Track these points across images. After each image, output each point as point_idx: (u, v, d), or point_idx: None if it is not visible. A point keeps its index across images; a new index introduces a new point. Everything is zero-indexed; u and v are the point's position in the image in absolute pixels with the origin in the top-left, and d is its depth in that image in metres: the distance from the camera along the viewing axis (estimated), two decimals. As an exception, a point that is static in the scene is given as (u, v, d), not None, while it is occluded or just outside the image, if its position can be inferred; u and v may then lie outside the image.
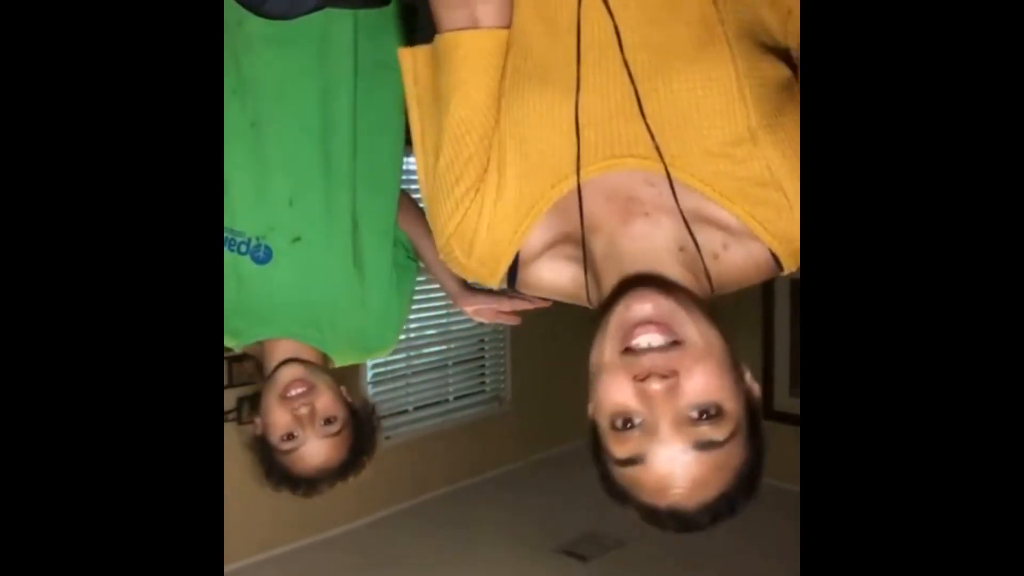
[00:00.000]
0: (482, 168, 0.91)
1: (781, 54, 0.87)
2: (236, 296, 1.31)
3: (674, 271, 0.82)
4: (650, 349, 0.73)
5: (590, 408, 0.82)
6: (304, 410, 1.23)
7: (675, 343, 0.73)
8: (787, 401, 3.84)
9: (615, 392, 0.74)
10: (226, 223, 1.30)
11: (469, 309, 1.49)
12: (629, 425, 0.74)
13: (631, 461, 0.75)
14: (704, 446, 0.73)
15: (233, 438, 2.90)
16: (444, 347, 3.99)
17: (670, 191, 0.84)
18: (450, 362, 4.02)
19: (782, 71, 0.85)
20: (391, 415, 3.72)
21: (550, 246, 0.90)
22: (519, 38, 0.90)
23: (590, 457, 0.81)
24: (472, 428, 4.06)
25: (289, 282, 1.30)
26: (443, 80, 0.92)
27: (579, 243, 0.88)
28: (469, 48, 0.90)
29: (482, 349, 4.17)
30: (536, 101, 0.87)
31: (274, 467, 1.28)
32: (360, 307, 1.34)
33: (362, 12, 1.28)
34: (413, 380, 3.84)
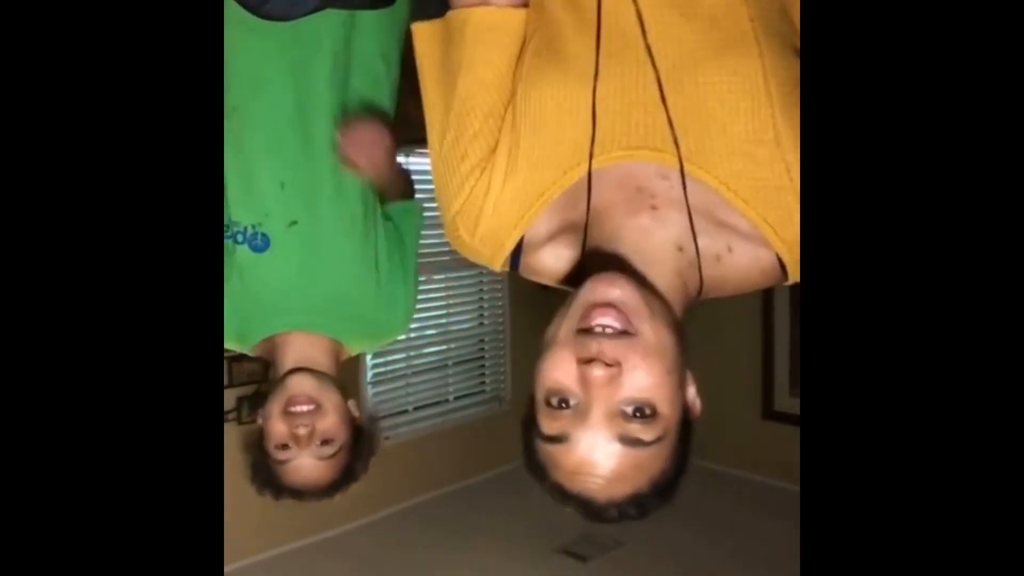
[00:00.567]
0: (488, 147, 0.90)
1: None
2: (240, 289, 1.30)
3: (660, 270, 0.81)
4: (601, 334, 0.72)
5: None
6: (303, 431, 1.20)
7: (627, 333, 0.72)
8: (787, 401, 3.84)
9: (557, 370, 0.74)
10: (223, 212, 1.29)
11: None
12: (563, 405, 0.73)
13: (556, 439, 0.74)
14: (629, 442, 0.72)
15: (233, 438, 2.89)
16: (444, 347, 3.99)
17: (682, 186, 0.83)
18: (450, 362, 4.02)
19: None
20: (391, 415, 3.72)
21: (555, 234, 0.90)
22: (545, 24, 0.90)
23: (521, 425, 0.81)
24: (472, 428, 4.06)
25: (290, 267, 1.29)
26: (452, 57, 0.92)
27: (582, 231, 0.87)
28: (479, 25, 0.90)
29: (482, 349, 4.17)
30: (555, 87, 0.86)
31: (262, 469, 1.26)
32: (363, 287, 1.33)
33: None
34: (413, 380, 3.83)
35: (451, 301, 3.97)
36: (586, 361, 0.71)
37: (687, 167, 0.82)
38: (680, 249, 0.83)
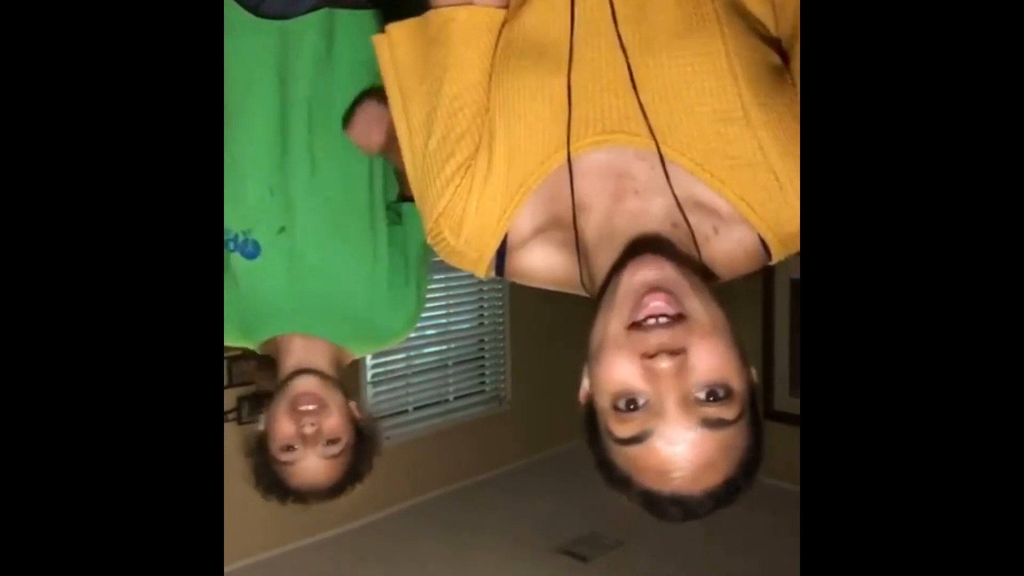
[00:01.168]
0: (473, 146, 0.89)
1: (772, 42, 0.86)
2: (236, 294, 1.30)
3: (673, 237, 0.80)
4: (657, 325, 0.70)
5: (584, 386, 0.79)
6: (310, 429, 1.21)
7: (680, 316, 0.71)
8: (787, 401, 3.84)
9: (619, 371, 0.71)
10: None
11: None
12: (633, 406, 0.71)
13: (635, 440, 0.71)
14: (711, 424, 0.70)
15: (233, 438, 2.89)
16: (444, 347, 3.99)
17: (661, 169, 0.82)
18: (450, 362, 4.02)
19: (772, 57, 0.85)
20: (391, 415, 3.72)
21: (540, 231, 0.88)
22: (512, 13, 0.89)
23: (586, 441, 0.78)
24: (472, 428, 4.06)
25: (280, 274, 1.29)
26: (434, 57, 0.91)
27: (570, 226, 0.86)
28: (464, 24, 0.89)
29: (482, 349, 4.17)
30: (527, 76, 0.86)
31: (267, 473, 1.26)
32: (361, 290, 1.32)
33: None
34: (413, 380, 3.83)
35: (451, 301, 3.97)
36: (650, 356, 0.69)
37: (662, 150, 0.82)
38: (675, 225, 0.82)
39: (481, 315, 4.17)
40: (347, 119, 1.25)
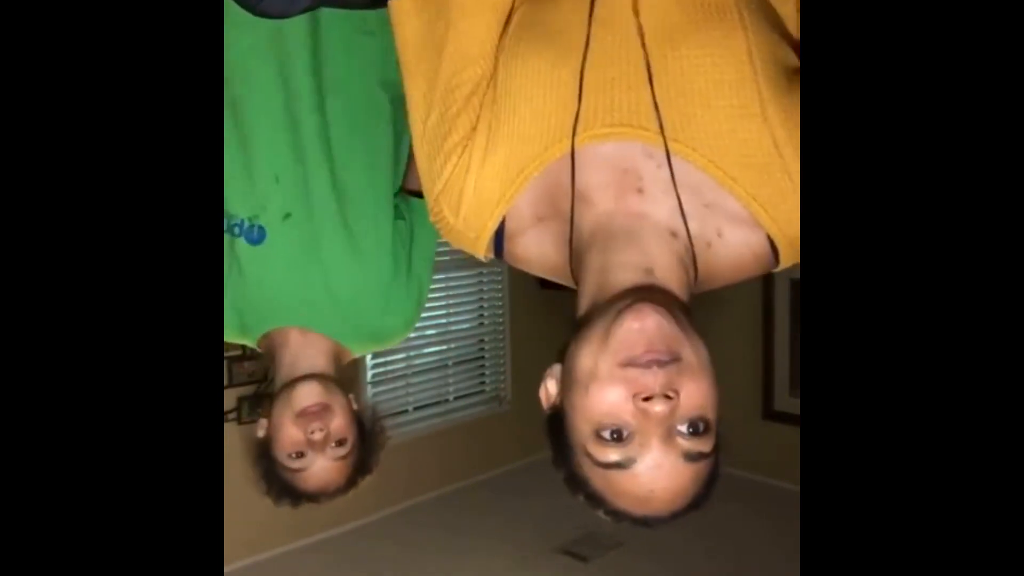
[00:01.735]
0: (471, 124, 0.88)
1: (791, 42, 0.85)
2: (239, 282, 1.29)
3: (664, 260, 0.80)
4: (656, 364, 0.71)
5: (550, 390, 0.80)
6: (319, 435, 1.21)
7: (676, 360, 0.72)
8: (787, 401, 3.84)
9: (610, 405, 0.73)
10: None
11: None
12: (617, 436, 0.73)
13: (617, 465, 0.73)
14: (693, 458, 0.73)
15: (233, 438, 2.90)
16: (444, 347, 3.99)
17: (668, 166, 0.81)
18: (450, 362, 4.02)
19: (792, 57, 0.84)
20: (391, 415, 3.71)
21: (539, 219, 0.88)
22: None
23: (552, 450, 0.80)
24: (472, 428, 4.06)
25: (284, 261, 1.28)
26: (436, 31, 0.90)
27: (567, 217, 0.85)
28: (468, 0, 0.88)
29: (482, 349, 4.17)
30: (538, 61, 0.84)
31: (276, 480, 1.26)
32: (363, 285, 1.32)
33: None
34: (413, 380, 3.83)
35: (451, 301, 3.97)
36: (646, 399, 0.71)
37: (673, 146, 0.81)
38: (674, 235, 0.81)
39: (481, 315, 4.17)
40: None
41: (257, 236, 1.28)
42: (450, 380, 4.02)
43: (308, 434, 1.20)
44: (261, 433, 1.28)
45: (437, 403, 3.96)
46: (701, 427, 0.73)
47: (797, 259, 0.84)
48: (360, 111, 1.30)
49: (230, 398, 3.11)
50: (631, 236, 0.81)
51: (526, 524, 3.47)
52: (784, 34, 0.85)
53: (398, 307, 1.35)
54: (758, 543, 3.21)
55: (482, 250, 0.91)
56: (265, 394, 3.21)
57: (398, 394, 3.76)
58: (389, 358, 3.69)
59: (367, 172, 1.32)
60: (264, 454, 1.27)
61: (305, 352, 1.30)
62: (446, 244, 0.99)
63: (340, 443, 1.24)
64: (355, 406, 1.30)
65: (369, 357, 3.56)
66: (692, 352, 0.74)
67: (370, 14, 1.25)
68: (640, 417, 0.72)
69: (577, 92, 0.82)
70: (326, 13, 1.25)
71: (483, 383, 4.17)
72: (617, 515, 0.77)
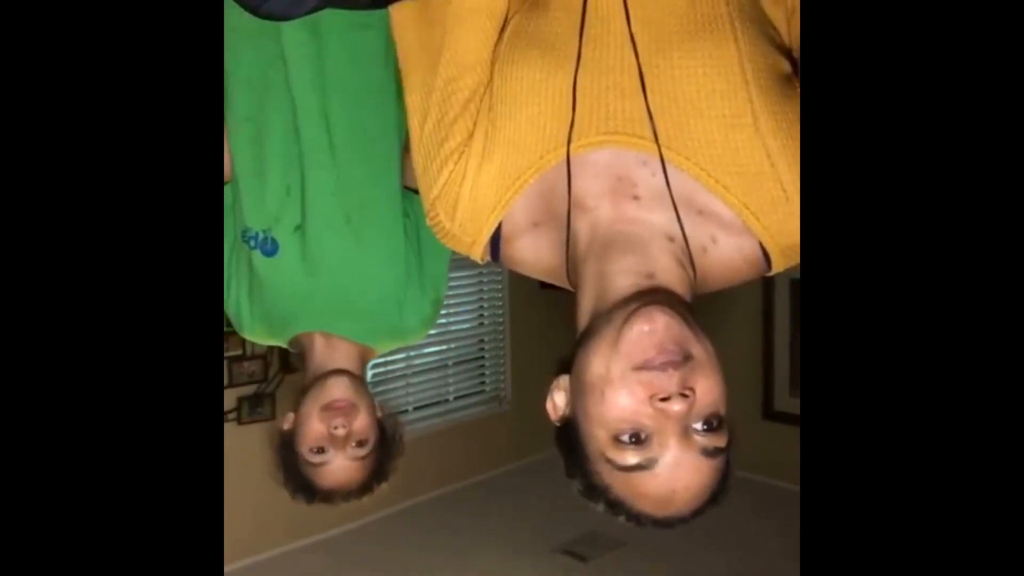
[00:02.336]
0: (467, 130, 0.89)
1: (783, 50, 0.86)
2: (259, 292, 1.32)
3: (663, 263, 0.81)
4: (669, 364, 0.72)
5: (558, 403, 0.81)
6: (341, 431, 1.22)
7: (687, 358, 0.73)
8: (787, 401, 3.84)
9: (627, 408, 0.73)
10: (241, 222, 1.31)
11: None
12: (635, 439, 0.73)
13: (638, 467, 0.74)
14: (711, 453, 0.74)
15: (233, 438, 2.91)
16: (444, 347, 3.99)
17: (663, 174, 0.82)
18: (450, 362, 4.02)
19: (784, 64, 0.84)
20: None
21: (535, 224, 0.88)
22: (528, 6, 0.89)
23: (566, 462, 0.80)
24: (472, 428, 4.06)
25: (298, 272, 1.30)
26: (433, 39, 0.91)
27: (563, 223, 0.86)
28: (463, 7, 0.89)
29: (482, 349, 4.17)
30: (533, 68, 0.85)
31: (295, 474, 1.28)
32: (377, 287, 1.33)
33: None
34: (413, 380, 3.83)
35: (451, 301, 3.97)
36: (663, 399, 0.71)
37: (666, 154, 0.81)
38: (671, 239, 0.82)
39: (481, 315, 4.17)
40: None
41: (271, 248, 1.29)
42: (450, 380, 4.02)
43: (331, 429, 1.22)
44: (287, 426, 1.29)
45: (437, 403, 3.96)
46: (715, 423, 0.74)
47: (789, 265, 0.85)
48: (364, 110, 1.30)
49: (230, 398, 3.11)
50: (629, 242, 0.82)
51: (526, 524, 3.47)
52: (776, 42, 0.85)
53: (414, 306, 1.37)
54: (758, 543, 3.21)
55: (478, 255, 0.92)
56: (266, 393, 3.22)
57: (398, 394, 3.76)
58: (389, 358, 3.69)
59: (373, 172, 1.32)
60: (286, 446, 1.28)
61: (332, 356, 1.32)
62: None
63: (361, 443, 1.25)
64: (380, 413, 1.32)
65: (369, 357, 3.56)
66: (702, 349, 0.74)
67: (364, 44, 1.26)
68: (658, 418, 0.72)
69: (571, 101, 0.83)
70: (325, 14, 1.25)
71: (483, 383, 4.18)
72: (639, 519, 0.77)
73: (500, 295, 4.17)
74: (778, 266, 0.85)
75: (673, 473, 0.73)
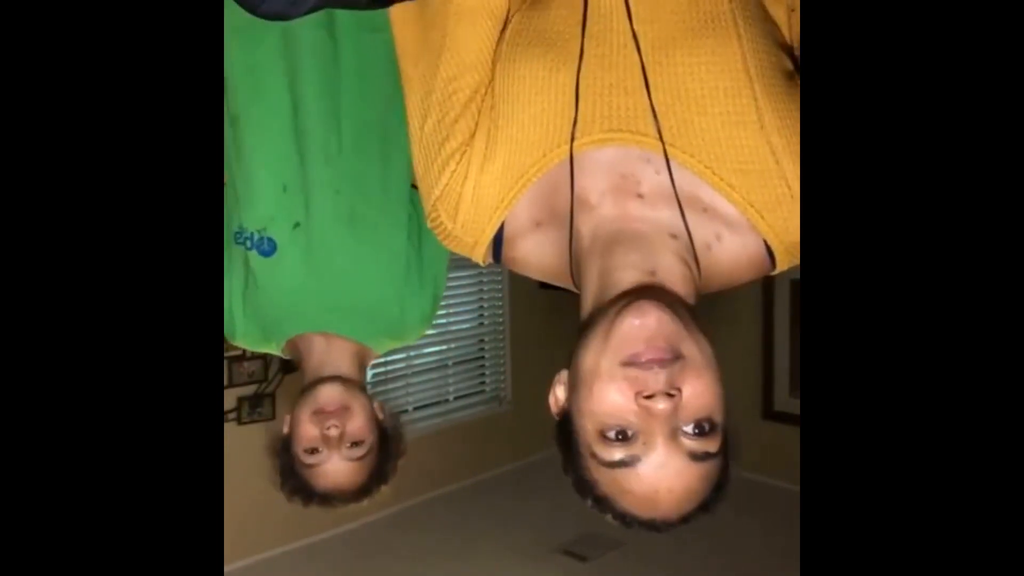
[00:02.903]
0: (468, 130, 0.89)
1: (785, 47, 0.86)
2: (255, 293, 1.31)
3: (666, 262, 0.80)
4: (656, 362, 0.71)
5: (558, 396, 0.80)
6: (334, 431, 1.22)
7: (677, 357, 0.72)
8: (787, 401, 3.84)
9: (613, 404, 0.73)
10: (234, 223, 1.30)
11: None
12: (622, 436, 0.73)
13: (622, 463, 0.73)
14: (699, 458, 0.73)
15: (233, 438, 2.91)
16: (444, 347, 3.99)
17: (667, 171, 0.81)
18: (450, 362, 4.02)
19: (786, 61, 0.84)
20: (391, 415, 3.71)
21: (538, 224, 0.88)
22: (526, 4, 0.89)
23: (562, 455, 0.80)
24: (472, 428, 4.06)
25: (297, 271, 1.29)
26: (432, 38, 0.90)
27: (566, 222, 0.85)
28: (461, 5, 0.88)
29: (482, 349, 4.17)
30: (535, 66, 0.85)
31: (292, 476, 1.27)
32: (379, 286, 1.32)
33: None
34: (413, 380, 3.83)
35: (451, 301, 3.97)
36: (647, 396, 0.71)
37: (670, 151, 0.81)
38: (674, 237, 0.82)
39: (481, 315, 4.17)
40: None
41: (268, 248, 1.28)
42: (450, 380, 4.02)
43: (324, 430, 1.22)
44: (285, 429, 1.29)
45: (437, 403, 3.96)
46: (707, 427, 0.73)
47: (793, 263, 0.84)
48: (374, 110, 1.30)
49: (230, 398, 3.11)
50: (632, 239, 0.81)
51: (526, 524, 3.47)
52: (778, 39, 0.85)
53: (414, 304, 1.36)
54: (758, 543, 3.21)
55: (480, 256, 0.92)
56: (266, 394, 3.22)
57: (398, 394, 3.76)
58: (389, 358, 3.69)
59: (378, 172, 1.32)
60: (285, 449, 1.28)
61: (330, 357, 1.31)
62: (447, 244, 0.99)
63: (356, 444, 1.24)
64: (380, 415, 1.32)
65: (369, 357, 3.56)
66: (695, 349, 0.73)
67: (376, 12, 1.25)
68: (644, 416, 0.72)
69: (574, 99, 0.83)
70: (338, 16, 1.26)
71: (483, 383, 4.18)
72: (625, 518, 0.77)
73: (500, 295, 4.17)
74: (782, 264, 0.84)
75: (657, 474, 0.72)
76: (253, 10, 1.24)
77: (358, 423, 1.24)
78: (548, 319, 3.91)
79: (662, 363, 0.71)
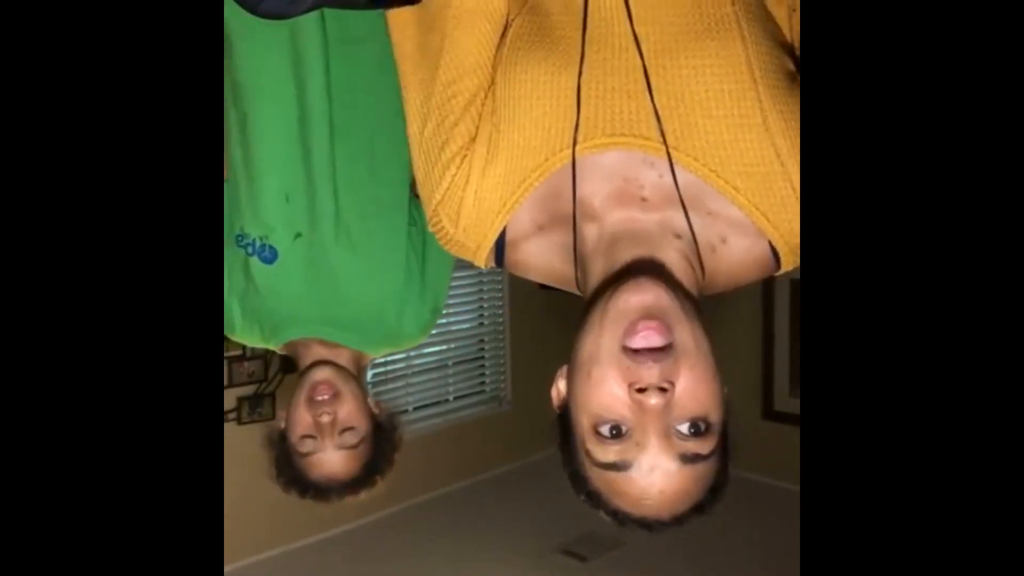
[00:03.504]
0: (470, 134, 0.88)
1: (787, 48, 0.86)
2: (255, 296, 1.32)
3: (670, 258, 0.80)
4: (648, 356, 0.70)
5: (560, 389, 0.80)
6: (326, 418, 1.24)
7: (670, 346, 0.71)
8: (787, 401, 3.84)
9: (605, 396, 0.72)
10: (236, 225, 1.31)
11: None
12: (616, 433, 0.72)
13: (614, 466, 0.73)
14: (690, 459, 0.72)
15: (233, 438, 2.90)
16: (444, 347, 3.99)
17: (671, 177, 0.81)
18: (450, 362, 4.02)
19: (788, 62, 0.84)
20: (391, 415, 3.71)
21: (540, 227, 0.88)
22: (526, 8, 0.89)
23: (559, 449, 0.80)
24: (472, 428, 4.06)
25: (297, 280, 1.30)
26: (431, 43, 0.90)
27: (569, 226, 0.85)
28: (459, 9, 0.88)
29: (482, 349, 4.17)
30: (537, 70, 0.84)
31: (287, 467, 1.29)
32: (377, 296, 1.33)
33: None
34: (413, 380, 3.83)
35: (451, 301, 3.97)
36: (640, 390, 0.70)
37: (674, 155, 0.81)
38: (678, 236, 0.81)
39: (481, 315, 4.17)
40: None
41: (270, 255, 1.30)
42: (450, 380, 4.02)
43: (316, 417, 1.24)
44: (282, 423, 1.31)
45: (437, 403, 3.96)
46: (702, 427, 0.72)
47: (798, 263, 0.84)
48: (363, 123, 1.30)
49: (230, 398, 3.11)
50: (637, 237, 0.81)
51: (526, 524, 3.47)
52: (781, 40, 0.85)
53: (413, 314, 1.37)
54: (758, 543, 3.21)
55: (482, 260, 0.91)
56: (267, 393, 3.22)
57: (398, 394, 3.76)
58: (389, 358, 3.69)
59: (379, 183, 1.32)
60: (281, 440, 1.30)
61: (326, 356, 1.33)
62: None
63: (348, 430, 1.26)
64: (376, 409, 1.33)
65: (369, 357, 3.56)
66: (690, 338, 0.72)
67: (357, 21, 1.26)
68: (636, 411, 0.71)
69: (575, 103, 0.83)
70: (329, 24, 1.26)
71: (483, 383, 4.18)
72: (617, 515, 0.77)
73: (500, 295, 4.17)
74: (788, 265, 0.84)
75: (649, 477, 0.72)
76: (252, 9, 1.24)
77: (349, 408, 1.26)
78: (548, 319, 3.90)
79: (655, 354, 0.70)
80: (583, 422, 0.74)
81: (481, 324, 4.17)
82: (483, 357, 4.17)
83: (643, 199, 0.82)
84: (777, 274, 0.87)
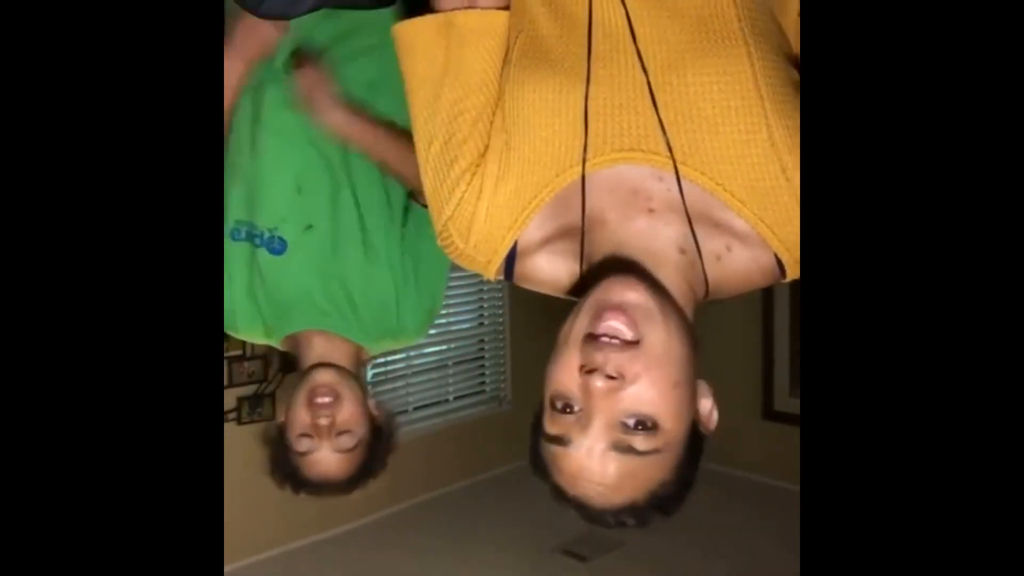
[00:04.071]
0: (478, 151, 0.89)
1: (792, 59, 0.86)
2: (262, 289, 1.33)
3: (667, 273, 0.81)
4: (608, 344, 0.72)
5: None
6: (325, 421, 1.24)
7: (633, 343, 0.72)
8: (787, 401, 3.84)
9: (563, 374, 0.75)
10: (244, 217, 1.32)
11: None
12: (567, 410, 0.74)
13: (557, 440, 0.75)
14: (622, 450, 0.73)
15: (233, 438, 2.90)
16: (444, 347, 3.99)
17: (678, 188, 0.82)
18: (450, 362, 4.02)
19: (794, 73, 0.84)
20: (391, 415, 3.71)
21: (550, 239, 0.89)
22: (529, 24, 0.89)
23: (531, 424, 0.82)
24: (472, 428, 4.06)
25: (305, 271, 1.31)
26: (435, 61, 0.91)
27: (578, 240, 0.86)
28: (465, 28, 0.89)
29: (482, 349, 4.17)
30: (544, 88, 0.85)
31: (284, 463, 1.29)
32: (381, 291, 1.35)
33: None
34: (413, 380, 3.83)
35: (451, 301, 3.97)
36: (588, 371, 0.72)
37: (681, 169, 0.82)
38: (682, 251, 0.83)
39: (481, 315, 4.17)
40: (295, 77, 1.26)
41: (279, 247, 1.31)
42: (450, 380, 4.02)
43: (315, 419, 1.24)
44: (282, 418, 1.32)
45: (437, 403, 3.96)
46: (648, 424, 0.73)
47: None
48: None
49: (230, 398, 3.11)
50: (639, 246, 0.82)
51: (526, 524, 3.47)
52: (786, 52, 0.86)
53: (410, 311, 1.38)
54: (758, 543, 3.21)
55: (492, 273, 0.92)
56: (267, 393, 3.22)
57: (398, 394, 3.76)
58: (389, 358, 3.68)
59: (382, 182, 1.34)
60: (279, 436, 1.30)
61: (327, 352, 1.34)
62: (446, 243, 0.99)
63: (345, 433, 1.26)
64: (375, 412, 1.34)
65: (369, 357, 3.56)
66: (661, 343, 0.73)
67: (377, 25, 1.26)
68: (585, 393, 0.73)
69: (583, 120, 0.84)
70: (350, 25, 1.27)
71: (483, 383, 4.17)
72: (557, 492, 0.78)
73: (500, 295, 4.17)
74: (792, 274, 0.85)
75: (585, 459, 0.74)
76: (254, 10, 1.25)
77: (348, 411, 1.27)
78: (548, 319, 3.89)
79: (615, 345, 0.71)
80: (545, 397, 0.77)
81: (481, 324, 4.17)
82: (483, 357, 4.17)
83: (650, 210, 0.83)
84: (784, 281, 0.87)
